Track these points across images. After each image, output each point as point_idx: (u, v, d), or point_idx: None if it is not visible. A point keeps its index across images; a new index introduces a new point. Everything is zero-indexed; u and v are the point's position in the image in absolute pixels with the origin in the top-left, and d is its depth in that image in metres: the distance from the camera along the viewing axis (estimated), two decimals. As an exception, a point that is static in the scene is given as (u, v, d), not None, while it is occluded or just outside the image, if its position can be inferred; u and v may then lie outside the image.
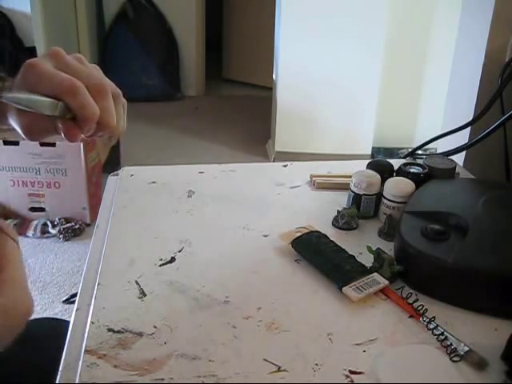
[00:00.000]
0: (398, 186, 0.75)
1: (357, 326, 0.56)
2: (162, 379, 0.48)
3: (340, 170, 0.91)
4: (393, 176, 0.80)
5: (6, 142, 2.13)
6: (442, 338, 0.53)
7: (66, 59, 0.48)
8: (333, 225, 0.76)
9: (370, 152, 3.00)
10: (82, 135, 0.48)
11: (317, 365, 0.50)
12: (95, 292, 0.60)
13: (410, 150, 1.03)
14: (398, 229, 0.66)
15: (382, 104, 2.95)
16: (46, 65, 0.47)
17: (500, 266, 0.58)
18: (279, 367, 0.50)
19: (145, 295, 0.60)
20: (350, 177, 0.78)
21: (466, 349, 0.51)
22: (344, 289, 0.59)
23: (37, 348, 0.74)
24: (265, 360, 0.51)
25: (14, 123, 0.50)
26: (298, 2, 2.71)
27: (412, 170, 0.80)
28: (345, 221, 0.74)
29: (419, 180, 0.77)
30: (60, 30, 3.22)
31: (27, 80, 0.46)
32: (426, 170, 0.80)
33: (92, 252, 0.69)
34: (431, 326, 0.54)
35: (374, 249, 0.65)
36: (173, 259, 0.67)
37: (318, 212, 0.79)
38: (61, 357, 0.51)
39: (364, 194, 0.76)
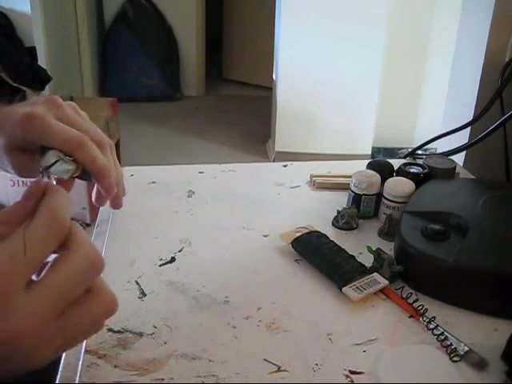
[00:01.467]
0: (397, 186, 0.75)
1: (357, 326, 0.56)
2: (162, 379, 0.48)
3: (340, 170, 0.91)
4: (393, 176, 0.80)
5: (6, 142, 2.12)
6: (442, 338, 0.53)
7: (65, 110, 0.48)
8: (333, 225, 0.76)
9: (370, 152, 3.01)
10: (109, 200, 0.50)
11: (317, 365, 0.50)
12: (95, 292, 0.60)
13: (410, 150, 1.03)
14: (398, 229, 0.66)
15: (382, 104, 2.95)
16: (49, 117, 0.46)
17: (500, 266, 0.58)
18: (279, 367, 0.50)
19: (145, 295, 0.60)
20: (350, 177, 0.78)
21: (466, 349, 0.51)
22: (344, 289, 0.59)
23: None
24: (265, 360, 0.51)
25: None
26: (298, 2, 2.71)
27: (412, 170, 0.80)
28: (345, 221, 0.74)
29: (419, 180, 0.77)
30: (60, 30, 3.22)
31: (30, 132, 0.45)
32: (426, 170, 0.80)
33: (92, 252, 0.68)
34: (431, 326, 0.54)
35: (374, 249, 0.65)
36: (173, 259, 0.67)
37: (318, 212, 0.79)
38: (61, 357, 0.51)
39: (364, 194, 0.76)
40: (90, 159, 0.46)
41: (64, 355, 0.51)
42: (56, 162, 0.44)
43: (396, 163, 0.83)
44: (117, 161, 0.51)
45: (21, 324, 0.31)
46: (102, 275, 0.36)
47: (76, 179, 0.49)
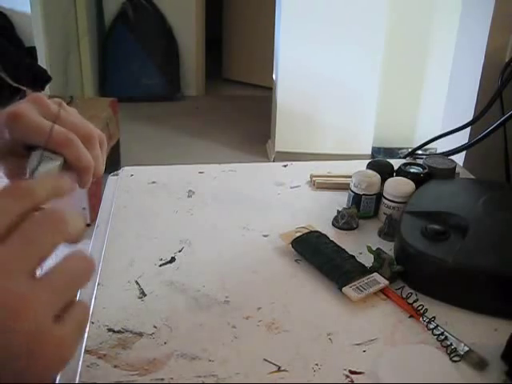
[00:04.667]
0: (397, 186, 0.75)
1: (357, 326, 0.56)
2: (162, 379, 0.48)
3: (340, 170, 0.91)
4: (393, 176, 0.80)
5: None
6: (442, 337, 0.53)
7: (50, 107, 0.47)
8: (333, 225, 0.76)
9: (370, 152, 3.00)
10: (78, 186, 0.48)
11: (317, 365, 0.50)
12: (95, 292, 0.60)
13: (409, 150, 1.03)
14: (398, 229, 0.66)
15: (382, 104, 2.95)
16: (33, 115, 0.45)
17: (500, 266, 0.58)
18: (279, 367, 0.50)
19: (145, 295, 0.60)
20: (350, 177, 0.78)
21: (466, 349, 0.51)
22: (344, 289, 0.59)
23: None
24: (265, 360, 0.51)
25: None
26: (298, 2, 2.71)
27: (412, 170, 0.80)
28: (345, 221, 0.74)
29: (419, 180, 0.77)
30: (60, 30, 3.22)
31: (15, 131, 0.45)
32: (426, 170, 0.80)
33: (92, 252, 0.69)
34: (431, 326, 0.54)
35: (374, 249, 0.65)
36: (173, 259, 0.67)
37: (318, 212, 0.79)
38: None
39: (364, 194, 0.76)
40: (75, 158, 0.46)
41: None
42: (39, 164, 0.44)
43: (396, 163, 0.83)
44: (104, 151, 0.51)
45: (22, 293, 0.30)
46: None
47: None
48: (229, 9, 4.47)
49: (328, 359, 0.51)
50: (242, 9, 4.36)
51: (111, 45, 3.92)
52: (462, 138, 1.03)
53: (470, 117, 1.02)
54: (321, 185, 0.87)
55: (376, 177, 0.76)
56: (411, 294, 0.59)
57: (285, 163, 0.96)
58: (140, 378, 0.48)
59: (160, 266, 0.65)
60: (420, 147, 1.03)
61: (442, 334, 0.53)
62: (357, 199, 0.77)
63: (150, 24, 3.92)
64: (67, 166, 0.46)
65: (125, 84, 3.93)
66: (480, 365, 0.50)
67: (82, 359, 0.50)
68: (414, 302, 0.57)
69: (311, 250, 0.66)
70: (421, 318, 0.56)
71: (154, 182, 0.87)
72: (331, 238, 0.69)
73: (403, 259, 0.63)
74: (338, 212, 0.75)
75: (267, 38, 3.31)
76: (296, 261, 0.67)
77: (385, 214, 0.75)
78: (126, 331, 0.54)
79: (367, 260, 0.65)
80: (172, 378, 0.48)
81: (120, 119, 2.81)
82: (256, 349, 0.52)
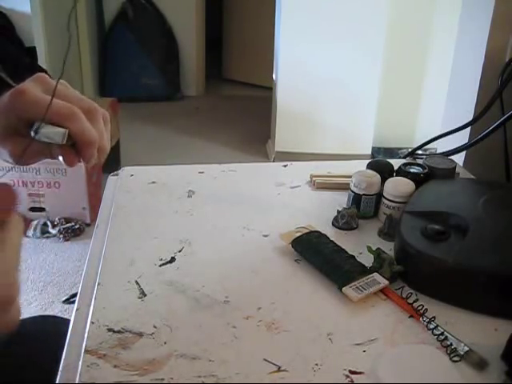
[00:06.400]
0: (397, 186, 0.75)
1: (357, 326, 0.56)
2: (162, 379, 0.48)
3: (340, 169, 0.91)
4: (393, 176, 0.80)
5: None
6: (442, 338, 0.53)
7: (53, 85, 0.48)
8: (333, 225, 0.76)
9: (370, 152, 3.00)
10: (82, 162, 0.49)
11: (317, 365, 0.50)
12: (95, 292, 0.60)
13: (409, 150, 1.03)
14: (398, 229, 0.66)
15: (382, 104, 2.95)
16: (37, 91, 0.46)
17: (500, 266, 0.58)
18: (279, 367, 0.50)
19: (145, 295, 0.60)
20: (350, 177, 0.78)
21: (466, 349, 0.51)
22: (344, 289, 0.59)
23: (36, 345, 0.74)
24: (265, 360, 0.51)
25: None
26: (298, 2, 2.71)
27: (412, 170, 0.80)
28: (345, 221, 0.74)
29: (419, 180, 0.77)
30: (60, 30, 3.22)
31: (19, 107, 0.46)
32: (426, 170, 0.80)
33: (92, 252, 0.69)
34: (431, 326, 0.54)
35: (374, 249, 0.65)
36: (173, 259, 0.67)
37: (318, 212, 0.79)
38: (61, 355, 0.51)
39: (364, 194, 0.76)
40: (80, 131, 0.46)
41: (64, 355, 0.51)
42: (41, 123, 0.44)
43: (396, 163, 0.83)
44: (108, 128, 0.52)
45: None
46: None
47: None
48: (229, 9, 4.47)
49: (328, 359, 0.51)
50: (242, 9, 4.35)
51: (111, 45, 3.92)
52: (462, 138, 1.03)
53: (469, 117, 1.02)
54: (321, 185, 0.87)
55: (376, 177, 0.76)
56: (411, 293, 0.59)
57: (285, 163, 0.96)
58: (140, 378, 0.48)
59: (160, 266, 0.65)
60: (420, 147, 1.03)
61: (442, 334, 0.53)
62: (357, 199, 0.77)
63: (149, 24, 3.91)
64: (71, 140, 0.47)
65: (125, 84, 3.93)
66: (480, 365, 0.50)
67: (82, 359, 0.50)
68: (414, 302, 0.57)
69: (311, 250, 0.66)
70: (421, 318, 0.56)
71: (153, 182, 0.87)
72: (331, 238, 0.69)
73: (403, 259, 0.63)
74: (338, 212, 0.75)
75: (267, 38, 3.31)
76: (296, 261, 0.67)
77: (385, 214, 0.75)
78: (126, 331, 0.54)
79: (367, 260, 0.65)
80: (172, 378, 0.48)
81: (120, 119, 2.81)
82: (256, 349, 0.52)
